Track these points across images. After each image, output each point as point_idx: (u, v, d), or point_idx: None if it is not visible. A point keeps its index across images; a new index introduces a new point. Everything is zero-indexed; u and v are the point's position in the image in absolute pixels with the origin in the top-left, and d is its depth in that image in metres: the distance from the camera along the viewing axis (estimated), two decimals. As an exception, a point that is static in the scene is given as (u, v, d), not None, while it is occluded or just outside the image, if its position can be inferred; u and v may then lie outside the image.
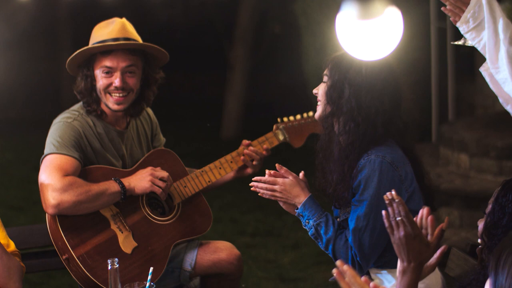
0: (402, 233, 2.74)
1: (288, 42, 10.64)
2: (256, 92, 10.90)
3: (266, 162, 4.29)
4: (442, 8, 3.16)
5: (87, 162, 4.00)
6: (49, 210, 3.82)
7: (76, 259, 3.79)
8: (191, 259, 4.15)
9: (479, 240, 2.74)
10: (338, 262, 2.46)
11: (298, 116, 4.43)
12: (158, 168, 4.06)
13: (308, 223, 3.52)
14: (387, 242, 3.36)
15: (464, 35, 3.11)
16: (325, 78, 3.56)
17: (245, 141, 4.30)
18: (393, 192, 2.78)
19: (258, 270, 6.50)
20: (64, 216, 3.84)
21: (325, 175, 3.55)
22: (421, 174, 3.58)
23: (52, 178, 3.82)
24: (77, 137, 3.97)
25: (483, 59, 3.11)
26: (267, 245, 7.08)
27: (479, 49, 3.07)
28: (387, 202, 2.78)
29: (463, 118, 8.65)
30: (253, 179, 3.61)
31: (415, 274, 2.77)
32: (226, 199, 8.29)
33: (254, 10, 10.87)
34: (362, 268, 3.44)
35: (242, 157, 4.27)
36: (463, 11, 3.08)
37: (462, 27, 3.09)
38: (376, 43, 2.64)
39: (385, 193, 3.05)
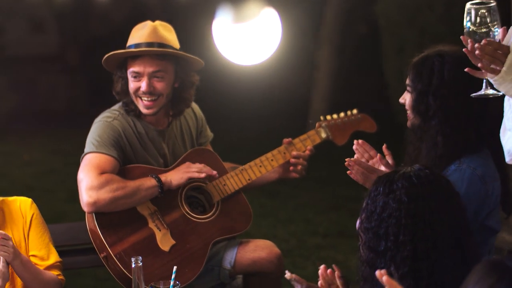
0: None
1: (373, 42, 10.54)
2: (342, 92, 10.80)
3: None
4: (467, 70, 2.91)
5: (126, 161, 4.05)
6: (86, 208, 3.88)
7: (114, 257, 3.85)
8: (230, 257, 4.14)
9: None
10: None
11: (342, 114, 4.40)
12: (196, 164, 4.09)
13: None
14: None
15: (499, 86, 2.88)
16: (408, 88, 3.46)
17: (286, 140, 4.28)
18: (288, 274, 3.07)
19: (325, 271, 6.42)
20: (101, 214, 3.90)
21: None
22: (507, 193, 3.46)
23: (89, 176, 3.87)
24: (116, 136, 4.02)
25: None
26: (337, 246, 6.99)
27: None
28: None
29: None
30: (352, 159, 3.44)
31: None
32: (301, 199, 8.26)
33: (341, 9, 10.78)
34: None
35: (291, 168, 4.29)
36: (502, 63, 2.83)
37: (498, 81, 2.86)
38: (254, 45, 2.59)
39: (469, 206, 3.07)
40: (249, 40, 2.61)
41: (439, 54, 3.37)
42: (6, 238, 3.38)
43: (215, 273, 4.16)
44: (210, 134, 4.49)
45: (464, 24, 2.93)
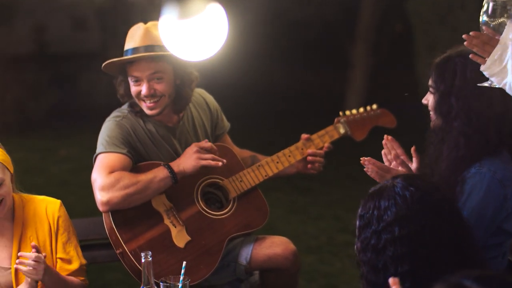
0: None
1: (407, 40, 10.51)
2: (377, 90, 10.76)
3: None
4: (471, 56, 3.03)
5: (139, 159, 4.07)
6: (101, 208, 3.94)
7: (129, 253, 3.87)
8: (246, 253, 4.14)
9: None
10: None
11: (361, 109, 4.39)
12: (202, 142, 4.06)
13: None
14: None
15: (490, 78, 2.97)
16: (431, 89, 3.43)
17: (304, 135, 4.29)
18: None
19: (352, 268, 6.43)
20: (117, 211, 3.93)
21: None
22: None
23: (100, 176, 3.92)
24: (125, 134, 4.04)
25: None
26: (366, 243, 6.97)
27: (506, 90, 2.94)
28: None
29: None
30: (367, 158, 3.49)
31: None
32: (332, 196, 8.24)
33: (375, 8, 10.75)
34: None
35: (309, 166, 4.28)
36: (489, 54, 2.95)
37: (487, 71, 2.96)
38: (200, 41, 2.57)
39: (487, 209, 3.11)
40: (195, 36, 2.61)
41: (461, 54, 3.32)
42: (39, 261, 3.44)
43: (231, 269, 4.17)
44: (227, 125, 4.47)
45: (481, 14, 2.98)
